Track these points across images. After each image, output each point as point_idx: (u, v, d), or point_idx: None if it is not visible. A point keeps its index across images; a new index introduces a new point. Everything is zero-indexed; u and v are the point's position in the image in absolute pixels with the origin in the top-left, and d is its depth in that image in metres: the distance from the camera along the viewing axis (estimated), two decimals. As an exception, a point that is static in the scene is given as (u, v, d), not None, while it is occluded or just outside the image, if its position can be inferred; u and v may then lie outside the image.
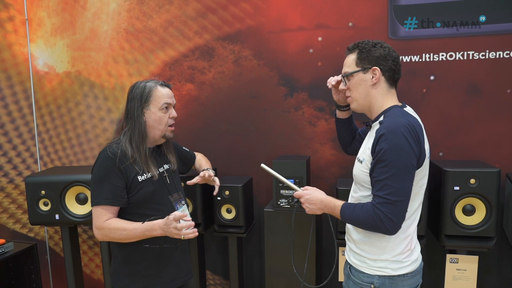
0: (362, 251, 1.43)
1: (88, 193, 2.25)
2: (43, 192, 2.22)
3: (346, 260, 1.53)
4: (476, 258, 1.95)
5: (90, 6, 2.57)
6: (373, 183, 1.33)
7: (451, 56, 2.14)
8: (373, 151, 1.32)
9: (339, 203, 1.46)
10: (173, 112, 1.69)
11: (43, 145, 2.79)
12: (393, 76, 1.42)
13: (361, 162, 1.42)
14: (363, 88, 1.44)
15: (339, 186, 1.98)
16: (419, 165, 1.31)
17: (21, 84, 2.74)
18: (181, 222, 1.46)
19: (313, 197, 1.54)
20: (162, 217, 1.51)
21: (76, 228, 2.48)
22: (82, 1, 2.58)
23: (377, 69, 1.40)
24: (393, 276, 1.38)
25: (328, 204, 1.50)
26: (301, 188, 1.61)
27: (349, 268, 1.49)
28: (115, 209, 1.57)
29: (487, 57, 2.10)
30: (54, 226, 2.69)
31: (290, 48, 2.32)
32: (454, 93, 2.15)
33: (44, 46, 2.67)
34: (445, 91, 2.16)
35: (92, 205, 1.57)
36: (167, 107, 1.65)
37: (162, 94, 1.64)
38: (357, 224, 1.40)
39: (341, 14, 2.23)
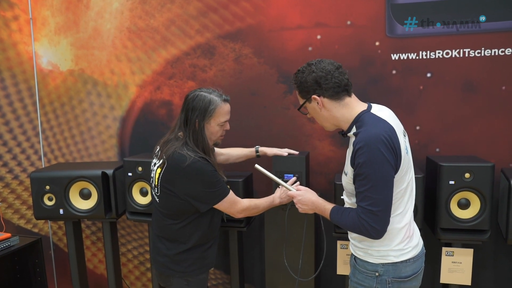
0: (364, 245, 1.49)
1: (92, 188, 2.30)
2: (47, 187, 2.27)
3: (351, 253, 1.59)
4: (471, 251, 1.99)
5: (93, 5, 2.62)
6: (356, 194, 1.40)
7: (447, 53, 2.18)
8: (353, 163, 1.38)
9: (329, 206, 1.55)
10: (227, 126, 1.80)
11: (47, 142, 2.84)
12: (336, 91, 1.42)
13: (346, 174, 1.49)
14: (318, 114, 1.50)
15: (337, 181, 2.02)
16: (396, 169, 1.37)
17: (26, 82, 2.79)
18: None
19: (305, 198, 1.62)
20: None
21: (79, 223, 2.52)
22: (85, 0, 2.63)
23: (315, 97, 1.44)
24: (396, 262, 1.44)
25: (318, 206, 1.59)
26: (295, 188, 1.68)
27: (354, 258, 1.55)
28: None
29: (482, 54, 2.14)
30: (58, 220, 2.74)
31: (290, 46, 2.36)
32: (451, 90, 2.19)
33: (48, 44, 2.72)
34: (442, 88, 2.20)
35: (217, 202, 1.72)
36: (224, 124, 1.76)
37: (225, 111, 1.74)
38: (344, 227, 1.48)
39: (339, 13, 2.27)
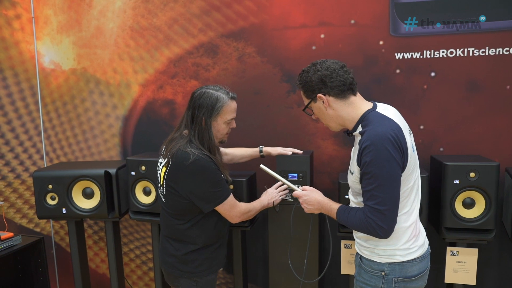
0: (370, 245, 1.49)
1: (94, 187, 2.29)
2: (50, 186, 2.27)
3: (357, 252, 1.58)
4: (475, 250, 1.98)
5: (96, 4, 2.61)
6: (362, 192, 1.40)
7: (451, 53, 2.17)
8: (359, 162, 1.38)
9: (335, 206, 1.54)
10: (233, 124, 1.78)
11: (49, 141, 2.83)
12: (341, 89, 1.42)
13: (352, 173, 1.48)
14: (324, 114, 1.49)
15: (341, 180, 2.01)
16: (403, 168, 1.36)
17: (28, 81, 2.78)
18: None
19: (311, 198, 1.62)
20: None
21: (82, 222, 2.52)
22: (88, -1, 2.62)
23: (321, 96, 1.44)
24: (402, 262, 1.44)
25: (324, 206, 1.58)
26: (300, 188, 1.67)
27: (360, 258, 1.55)
28: None
29: (487, 53, 2.13)
30: (61, 220, 2.73)
31: (293, 45, 2.36)
32: (454, 89, 2.19)
33: (50, 43, 2.72)
34: (446, 88, 2.20)
35: (219, 203, 1.71)
36: (230, 121, 1.75)
37: (232, 109, 1.73)
38: (351, 227, 1.47)
39: (343, 12, 2.27)
